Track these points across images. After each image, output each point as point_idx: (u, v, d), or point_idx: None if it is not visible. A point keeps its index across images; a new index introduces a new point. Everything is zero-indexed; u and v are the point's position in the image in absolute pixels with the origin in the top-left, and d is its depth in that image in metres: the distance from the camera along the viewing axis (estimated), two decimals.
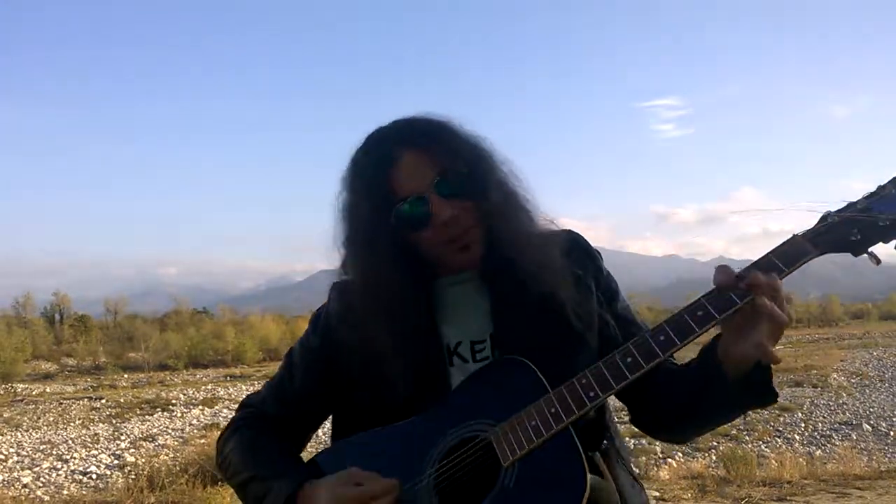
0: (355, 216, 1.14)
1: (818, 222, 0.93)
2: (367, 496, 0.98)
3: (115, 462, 13.67)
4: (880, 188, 0.91)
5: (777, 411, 17.18)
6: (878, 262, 0.89)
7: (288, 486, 1.04)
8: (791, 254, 0.93)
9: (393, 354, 1.10)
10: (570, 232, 1.21)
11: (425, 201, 1.09)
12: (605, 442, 1.08)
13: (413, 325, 1.12)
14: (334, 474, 1.03)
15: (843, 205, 0.92)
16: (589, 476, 0.90)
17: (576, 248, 1.18)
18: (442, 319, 1.15)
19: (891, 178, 0.90)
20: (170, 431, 17.23)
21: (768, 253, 0.93)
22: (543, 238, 1.14)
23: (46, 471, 13.26)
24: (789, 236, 0.94)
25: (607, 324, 1.15)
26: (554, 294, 1.10)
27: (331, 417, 1.26)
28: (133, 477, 8.37)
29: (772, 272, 0.91)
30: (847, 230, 0.90)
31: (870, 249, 0.89)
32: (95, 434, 17.37)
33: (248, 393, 1.32)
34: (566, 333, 1.10)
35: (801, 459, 7.90)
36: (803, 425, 15.50)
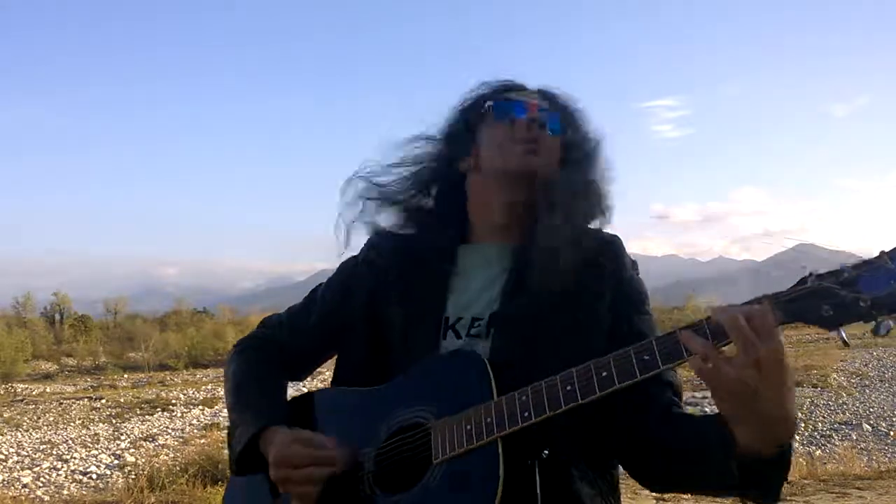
0: (449, 123, 1.20)
1: (795, 283, 0.81)
2: (307, 460, 1.04)
3: (116, 462, 13.65)
4: (873, 259, 0.77)
5: None
6: (847, 345, 0.78)
7: (254, 426, 1.11)
8: (788, 309, 0.81)
9: (396, 314, 1.15)
10: (609, 236, 1.19)
11: (524, 105, 1.13)
12: (545, 451, 0.99)
13: (425, 284, 1.15)
14: (295, 430, 1.09)
15: (835, 268, 0.80)
16: (500, 492, 0.90)
17: (607, 253, 1.16)
18: (454, 287, 1.16)
19: (891, 248, 0.76)
20: (170, 431, 17.21)
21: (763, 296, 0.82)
22: (586, 236, 1.14)
23: (46, 471, 13.24)
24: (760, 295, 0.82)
25: (620, 332, 1.10)
26: (568, 292, 1.09)
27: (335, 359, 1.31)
28: (133, 477, 8.38)
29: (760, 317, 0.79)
30: (819, 302, 0.78)
31: (841, 330, 0.78)
32: (95, 434, 17.35)
33: (270, 314, 1.36)
34: (568, 334, 1.08)
35: (800, 459, 7.88)
36: (803, 425, 15.47)
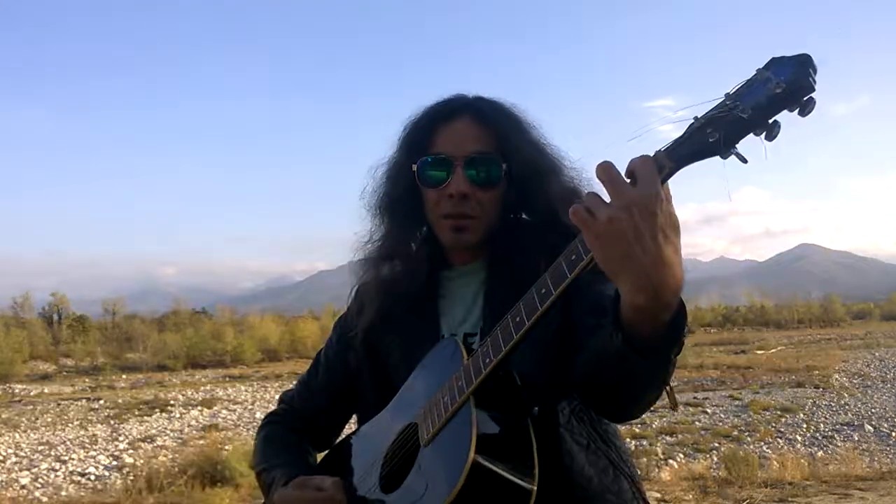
0: (393, 168, 1.18)
1: (683, 132, 0.79)
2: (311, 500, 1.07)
3: (114, 463, 13.63)
4: (750, 78, 0.75)
5: (779, 412, 17.18)
6: (745, 160, 0.75)
7: (282, 478, 1.14)
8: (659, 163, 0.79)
9: (393, 342, 1.18)
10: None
11: (450, 166, 1.10)
12: (535, 409, 0.99)
13: (416, 313, 1.17)
14: (313, 476, 1.12)
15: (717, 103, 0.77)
16: (473, 445, 0.88)
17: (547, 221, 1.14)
18: (441, 310, 1.18)
19: (765, 62, 0.74)
20: (168, 432, 17.20)
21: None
22: (552, 234, 1.10)
23: (45, 472, 13.22)
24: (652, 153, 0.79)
25: (590, 300, 1.06)
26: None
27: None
28: (131, 478, 8.36)
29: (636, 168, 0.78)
30: (704, 133, 0.75)
31: (735, 148, 0.75)
32: (94, 435, 17.33)
33: (284, 389, 1.43)
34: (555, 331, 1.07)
35: (802, 460, 7.87)
36: (805, 426, 15.47)
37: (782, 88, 0.71)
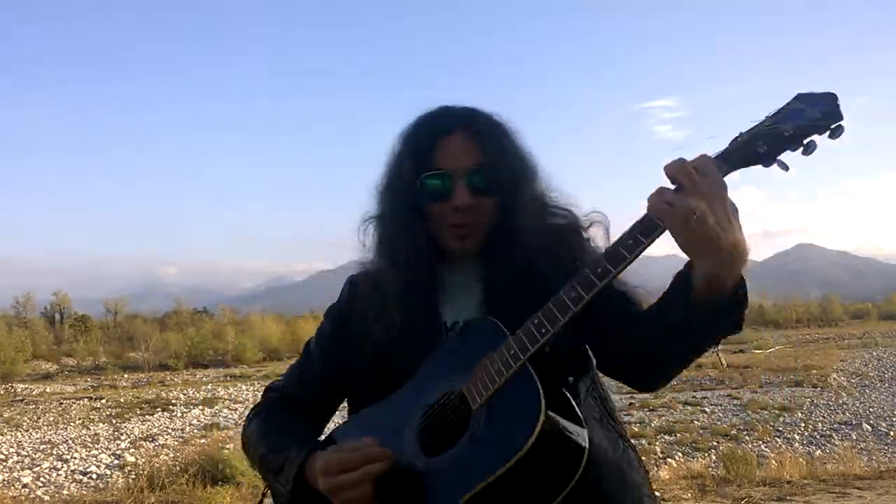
0: (396, 176, 1.23)
1: (729, 144, 0.96)
2: (357, 461, 1.04)
3: (116, 462, 13.67)
4: (785, 105, 0.94)
5: (777, 411, 17.20)
6: (787, 168, 0.92)
7: (300, 454, 1.11)
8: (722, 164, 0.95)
9: (396, 329, 1.19)
10: (567, 225, 1.24)
11: (451, 181, 1.18)
12: (570, 378, 1.12)
13: (417, 301, 1.20)
14: (333, 445, 1.12)
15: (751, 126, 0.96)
16: (544, 403, 0.94)
17: (575, 232, 1.23)
18: (441, 301, 1.24)
19: (793, 96, 0.94)
20: (170, 431, 17.23)
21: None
22: (550, 234, 1.20)
23: (46, 471, 13.26)
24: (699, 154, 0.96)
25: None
26: (546, 278, 1.14)
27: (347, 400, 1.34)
28: (133, 477, 8.37)
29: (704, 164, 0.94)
30: (754, 145, 0.93)
31: (779, 158, 0.93)
32: (95, 434, 17.37)
33: (269, 383, 1.39)
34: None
35: (801, 459, 7.89)
36: (803, 425, 15.50)
37: (822, 114, 0.89)
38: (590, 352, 1.18)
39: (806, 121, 0.90)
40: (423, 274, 1.21)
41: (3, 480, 12.27)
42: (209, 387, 29.32)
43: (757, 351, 39.74)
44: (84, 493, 9.43)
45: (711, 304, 0.94)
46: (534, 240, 1.17)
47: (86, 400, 25.26)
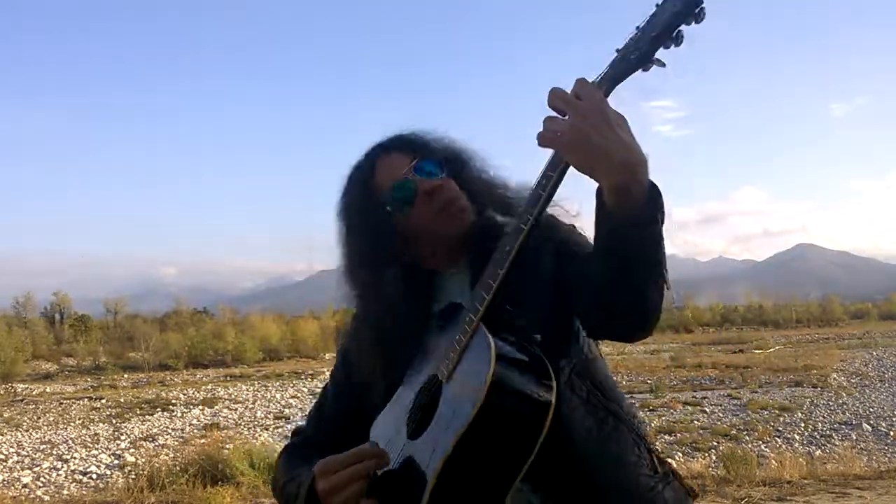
0: (354, 231, 1.24)
1: (609, 63, 0.97)
2: (349, 460, 1.07)
3: (116, 462, 13.67)
4: (649, 16, 0.94)
5: (777, 411, 17.20)
6: (664, 64, 0.93)
7: (310, 474, 1.12)
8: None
9: (393, 340, 1.20)
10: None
11: (407, 181, 1.20)
12: (537, 336, 1.08)
13: (413, 317, 1.20)
14: (344, 453, 1.12)
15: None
16: (493, 354, 0.94)
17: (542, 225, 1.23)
18: (434, 311, 1.22)
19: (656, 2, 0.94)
20: (170, 431, 17.24)
21: None
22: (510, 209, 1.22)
23: (46, 471, 13.26)
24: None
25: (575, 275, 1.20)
26: (521, 280, 1.16)
27: None
28: (133, 477, 8.37)
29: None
30: (627, 56, 0.94)
31: (655, 58, 0.93)
32: (95, 434, 17.38)
33: (295, 426, 1.45)
34: (550, 291, 1.15)
35: (800, 459, 7.89)
36: (803, 425, 15.51)
37: (683, 4, 0.89)
38: (578, 329, 1.16)
39: (669, 14, 0.91)
40: (411, 322, 1.20)
41: (3, 480, 12.28)
42: (209, 387, 29.31)
43: (757, 351, 39.79)
44: (84, 493, 9.44)
45: (627, 217, 0.93)
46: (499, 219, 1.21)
47: (86, 400, 25.26)
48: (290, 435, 1.42)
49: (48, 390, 30.13)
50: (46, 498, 10.03)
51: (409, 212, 1.20)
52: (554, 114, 0.95)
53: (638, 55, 0.93)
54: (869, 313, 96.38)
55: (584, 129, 0.90)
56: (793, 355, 34.93)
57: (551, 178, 0.98)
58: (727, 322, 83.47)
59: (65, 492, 10.93)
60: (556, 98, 0.94)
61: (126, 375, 37.74)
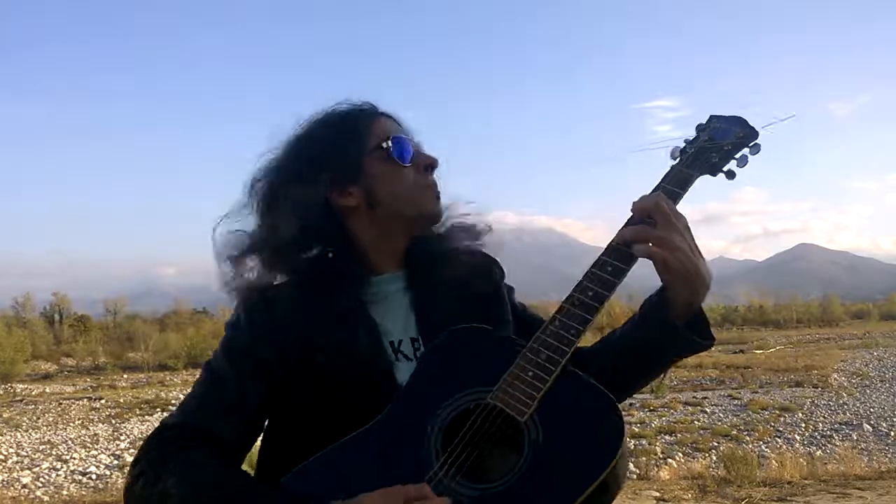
0: (310, 169, 1.11)
1: (680, 154, 1.07)
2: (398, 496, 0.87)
3: (115, 462, 13.68)
4: (705, 125, 1.09)
5: (777, 411, 17.21)
6: (734, 175, 1.05)
7: None
8: (680, 179, 1.05)
9: (335, 353, 1.04)
10: (485, 249, 1.25)
11: (410, 142, 1.15)
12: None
13: (353, 321, 1.08)
14: (374, 492, 0.88)
15: (684, 143, 1.09)
16: (611, 398, 0.93)
17: (494, 263, 1.25)
18: (376, 315, 1.10)
19: (708, 118, 1.10)
20: None
21: (659, 184, 1.05)
22: (465, 253, 1.21)
23: (46, 471, 13.27)
24: (668, 169, 1.07)
25: (524, 318, 1.23)
26: (473, 292, 1.15)
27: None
28: None
29: (668, 199, 1.02)
30: (708, 155, 1.06)
31: (725, 168, 1.05)
32: (95, 434, 17.39)
33: (164, 418, 1.07)
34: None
35: (801, 460, 7.89)
36: (804, 425, 15.51)
37: (742, 133, 1.05)
38: None
39: (733, 137, 1.04)
40: (350, 286, 1.09)
41: (3, 480, 12.28)
42: None
43: (757, 351, 39.83)
44: (83, 493, 9.45)
45: (688, 324, 1.02)
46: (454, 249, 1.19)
47: (85, 400, 25.27)
48: (161, 430, 1.02)
49: (47, 390, 30.15)
50: (46, 498, 10.04)
51: (392, 172, 1.11)
52: (637, 219, 1.00)
53: (717, 161, 1.05)
54: (869, 313, 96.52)
55: (686, 249, 0.97)
56: (793, 355, 34.96)
57: (622, 271, 1.00)
58: (728, 322, 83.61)
59: (64, 492, 10.93)
60: (653, 208, 0.99)
61: (125, 376, 37.77)
